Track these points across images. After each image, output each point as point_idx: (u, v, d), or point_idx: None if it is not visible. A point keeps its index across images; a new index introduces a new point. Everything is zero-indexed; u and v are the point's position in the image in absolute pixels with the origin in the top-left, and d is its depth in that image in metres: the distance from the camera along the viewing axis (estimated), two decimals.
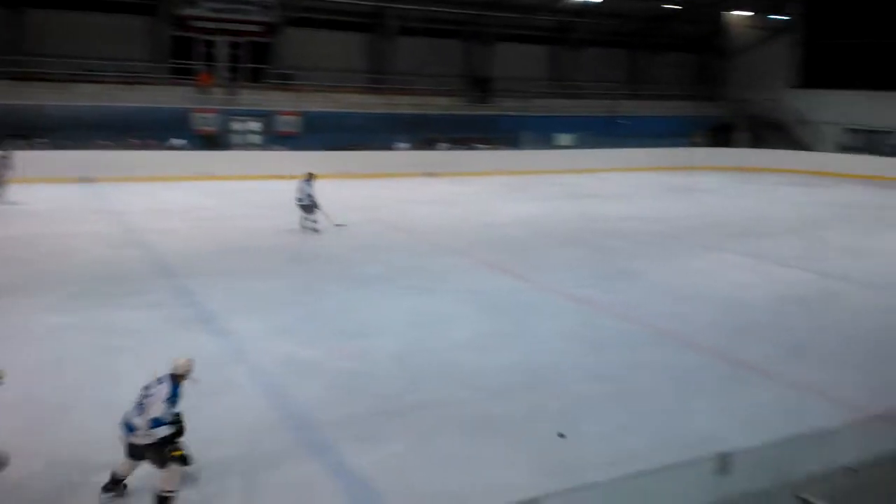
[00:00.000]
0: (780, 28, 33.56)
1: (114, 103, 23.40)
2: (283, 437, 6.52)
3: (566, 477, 5.78)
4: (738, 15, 33.77)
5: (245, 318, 9.60)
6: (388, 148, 26.17)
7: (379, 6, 28.88)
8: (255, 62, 27.98)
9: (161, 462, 5.21)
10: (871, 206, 21.92)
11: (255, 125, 25.92)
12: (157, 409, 5.18)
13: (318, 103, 26.55)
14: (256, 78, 27.38)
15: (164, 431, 5.15)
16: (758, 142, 32.68)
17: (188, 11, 26.25)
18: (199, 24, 26.61)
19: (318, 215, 15.30)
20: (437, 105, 28.76)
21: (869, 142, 31.25)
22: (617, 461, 6.01)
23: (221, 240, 14.49)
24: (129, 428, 5.27)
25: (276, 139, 25.68)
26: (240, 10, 26.95)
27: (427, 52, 30.47)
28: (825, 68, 33.02)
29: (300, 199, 15.33)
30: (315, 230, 15.24)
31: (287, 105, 26.26)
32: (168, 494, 5.18)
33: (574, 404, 7.31)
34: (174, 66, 26.55)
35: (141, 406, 5.27)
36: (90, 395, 7.14)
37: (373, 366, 8.17)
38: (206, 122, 24.83)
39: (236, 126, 25.75)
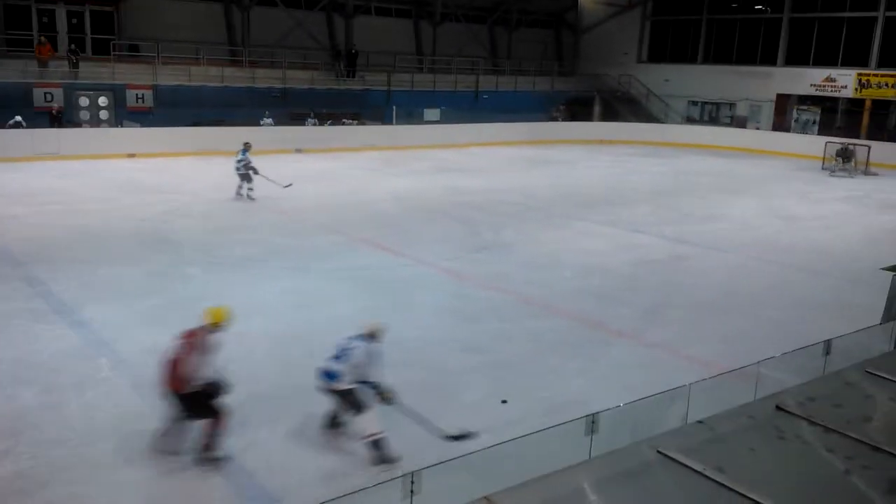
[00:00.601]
0: (627, 5, 35.25)
1: None
2: (153, 430, 6.28)
3: (442, 448, 5.96)
4: None
5: (104, 307, 9.11)
6: (253, 124, 25.32)
7: None
8: (100, 33, 26.16)
9: (357, 408, 5.78)
10: (713, 173, 23.65)
11: (102, 100, 24.29)
12: (362, 363, 5.89)
13: (172, 76, 25.23)
14: (102, 50, 25.61)
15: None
16: (611, 115, 34.41)
17: None
18: None
19: (254, 183, 16.23)
20: (302, 79, 28.12)
21: (710, 113, 33.73)
22: (492, 429, 6.25)
23: (72, 225, 13.54)
24: (330, 376, 5.86)
25: (126, 115, 24.18)
26: None
27: (288, 23, 29.66)
28: (671, 44, 35.21)
29: (238, 169, 16.23)
30: (251, 198, 16.13)
31: (137, 79, 24.77)
32: (375, 436, 5.65)
33: (448, 377, 7.51)
34: (9, 37, 24.34)
35: (339, 357, 5.91)
36: None
37: (245, 352, 7.99)
38: (48, 97, 22.98)
39: (82, 101, 24.03)
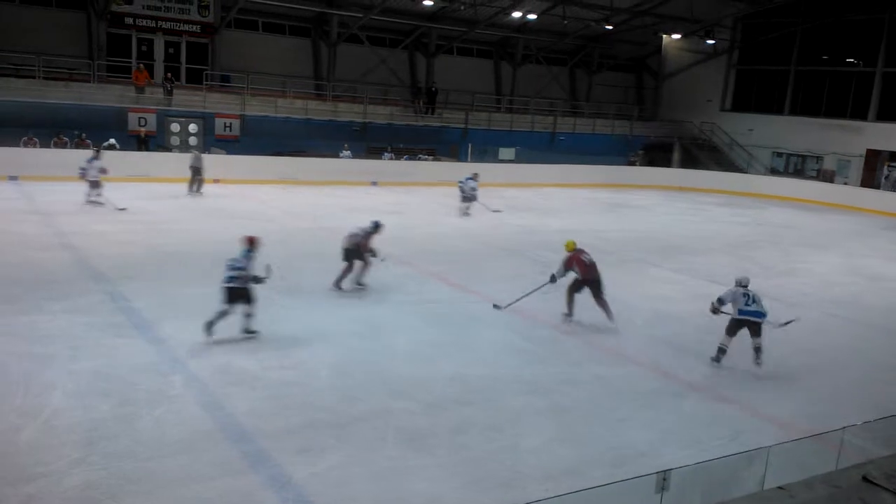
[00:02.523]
0: (712, 53, 34.81)
1: (44, 100, 22.56)
2: (220, 449, 6.40)
3: (501, 492, 5.86)
4: (674, 38, 34.87)
5: (180, 325, 9.37)
6: (332, 155, 26.00)
7: (322, 12, 28.77)
8: (194, 63, 27.47)
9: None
10: (796, 227, 22.85)
11: (193, 127, 25.39)
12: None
13: (259, 107, 26.22)
14: (195, 79, 26.87)
15: None
16: (691, 162, 33.81)
17: (123, 8, 25.61)
18: (135, 21, 26.01)
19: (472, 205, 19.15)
20: (382, 114, 28.78)
21: (795, 165, 32.75)
22: (552, 475, 6.11)
23: (155, 244, 14.09)
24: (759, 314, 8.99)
25: (214, 142, 25.19)
26: (177, 8, 26.43)
27: (371, 60, 30.49)
28: (756, 93, 34.50)
29: (464, 193, 19.60)
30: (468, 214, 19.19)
31: (226, 108, 25.83)
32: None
33: (509, 417, 7.39)
34: (109, 63, 25.82)
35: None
36: (20, 403, 6.87)
37: (310, 376, 8.09)
38: (142, 122, 24.17)
39: (173, 127, 25.18)
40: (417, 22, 30.53)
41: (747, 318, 9.21)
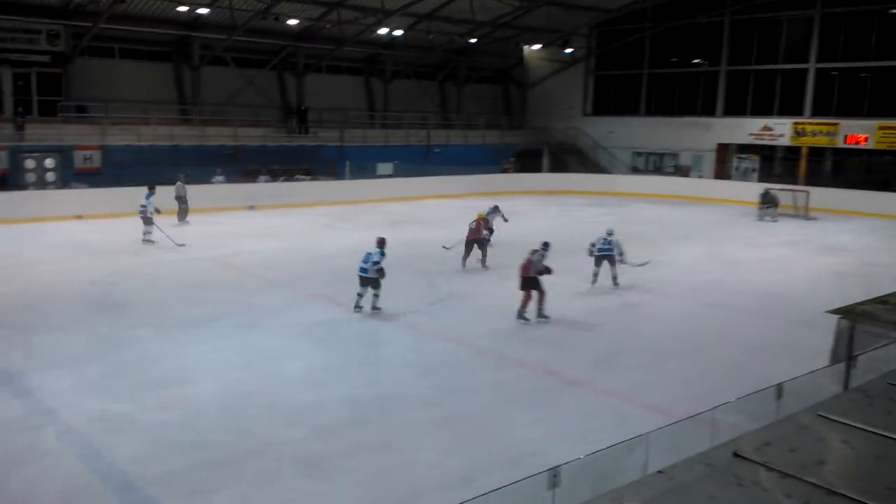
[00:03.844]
0: (571, 61, 36.40)
1: None
2: (102, 501, 6.04)
3: None
4: (534, 49, 36.21)
5: (49, 375, 8.79)
6: (204, 181, 25.14)
7: (183, 35, 27.88)
8: (47, 94, 25.87)
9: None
10: (659, 221, 24.20)
11: (49, 161, 23.87)
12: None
13: (120, 136, 25.01)
14: (49, 111, 25.31)
15: None
16: (560, 166, 35.21)
17: None
18: None
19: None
20: (254, 136, 28.16)
21: (654, 163, 34.77)
22: (449, 486, 6.17)
23: (16, 290, 13.13)
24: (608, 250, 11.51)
25: (74, 176, 23.78)
26: (24, 38, 24.83)
27: (238, 82, 29.81)
28: (614, 97, 36.39)
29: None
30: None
31: (85, 140, 24.46)
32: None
33: (403, 433, 7.41)
34: None
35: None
36: None
37: (195, 414, 7.79)
38: None
39: (28, 164, 23.58)
40: (284, 42, 30.15)
41: (602, 253, 13.87)
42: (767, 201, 24.89)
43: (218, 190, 24.89)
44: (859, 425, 3.43)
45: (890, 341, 6.47)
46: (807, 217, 24.91)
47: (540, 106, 38.10)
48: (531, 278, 11.50)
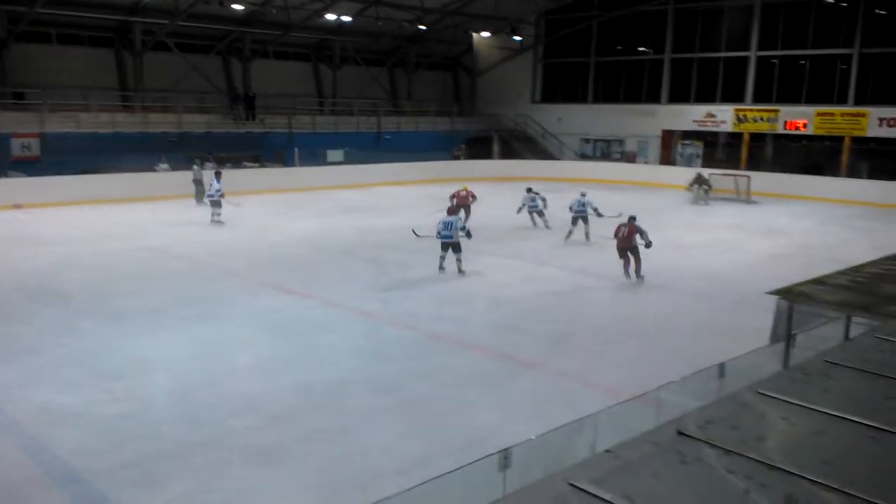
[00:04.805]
0: (519, 49, 36.56)
1: None
2: (48, 494, 5.91)
3: (356, 494, 5.89)
4: (483, 36, 36.25)
5: None
6: (148, 169, 24.54)
7: (124, 20, 27.07)
8: None
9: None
10: (607, 207, 24.51)
11: None
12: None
13: (60, 124, 24.20)
14: None
15: None
16: (510, 153, 35.42)
17: None
18: None
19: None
20: (199, 123, 27.56)
21: (602, 149, 35.28)
22: (404, 470, 6.22)
23: None
24: (583, 212, 15.85)
25: (11, 165, 22.95)
26: None
27: (182, 67, 29.11)
28: (562, 84, 36.72)
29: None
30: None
31: (23, 127, 23.61)
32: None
33: (358, 419, 7.43)
34: None
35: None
36: None
37: (145, 406, 7.67)
38: None
39: None
40: (229, 27, 29.52)
41: (578, 214, 17.21)
42: (699, 182, 25.70)
43: (162, 178, 24.35)
44: (798, 402, 3.56)
45: (826, 321, 6.73)
46: (748, 201, 25.61)
47: (490, 93, 38.22)
48: (633, 246, 13.49)
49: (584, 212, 17.35)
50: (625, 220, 14.10)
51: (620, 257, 13.60)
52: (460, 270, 13.75)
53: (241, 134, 28.35)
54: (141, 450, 6.66)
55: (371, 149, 31.03)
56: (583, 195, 17.62)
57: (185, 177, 24.80)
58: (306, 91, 33.50)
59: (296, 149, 28.66)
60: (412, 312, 11.35)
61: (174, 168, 25.07)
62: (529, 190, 19.73)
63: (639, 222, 13.73)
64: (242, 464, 6.47)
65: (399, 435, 7.06)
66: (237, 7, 27.24)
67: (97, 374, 8.49)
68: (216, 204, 19.36)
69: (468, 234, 13.91)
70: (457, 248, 13.74)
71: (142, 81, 27.74)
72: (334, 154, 30.29)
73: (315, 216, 21.22)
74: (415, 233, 15.35)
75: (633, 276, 13.54)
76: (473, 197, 19.50)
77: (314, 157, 29.12)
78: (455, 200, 18.66)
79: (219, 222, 19.22)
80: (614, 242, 13.70)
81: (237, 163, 27.28)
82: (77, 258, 14.74)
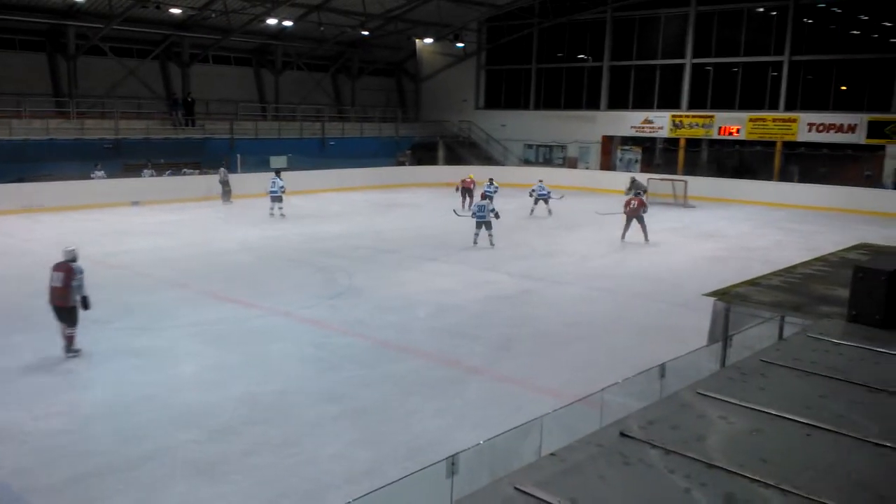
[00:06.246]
0: (462, 55, 36.82)
1: None
2: None
3: None
4: (426, 42, 36.37)
5: None
6: (84, 177, 23.84)
7: (57, 24, 26.25)
8: None
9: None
10: (553, 211, 24.90)
11: None
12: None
13: None
14: None
15: None
16: (455, 159, 35.60)
17: None
18: None
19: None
20: (136, 129, 26.91)
21: (544, 155, 35.76)
22: (353, 479, 6.19)
23: None
24: (545, 195, 21.60)
25: None
26: None
27: (119, 72, 28.38)
28: (505, 91, 37.10)
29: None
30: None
31: None
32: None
33: (305, 429, 7.36)
34: None
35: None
36: None
37: (83, 421, 7.44)
38: None
39: None
40: (166, 31, 28.92)
41: (540, 196, 22.00)
42: (635, 188, 26.30)
43: (98, 185, 23.70)
44: (735, 401, 3.66)
45: (762, 321, 6.96)
46: (686, 205, 26.28)
47: (434, 99, 38.37)
48: (640, 216, 18.06)
49: (545, 194, 22.88)
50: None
51: (626, 223, 18.21)
52: (492, 244, 17.26)
53: (180, 140, 27.79)
54: (80, 466, 6.46)
55: (315, 155, 30.78)
56: (540, 181, 23.19)
57: (120, 184, 24.27)
58: (248, 96, 33.06)
59: (238, 155, 28.23)
60: (360, 320, 11.30)
61: (110, 175, 24.42)
62: (541, 181, 23.62)
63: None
64: (185, 478, 6.33)
65: (347, 444, 7.02)
66: (175, 11, 26.71)
67: (35, 390, 8.20)
68: (278, 199, 21.88)
69: (496, 215, 17.59)
70: (489, 225, 17.37)
71: (76, 87, 26.95)
72: (278, 160, 29.92)
73: (258, 223, 20.93)
74: (455, 213, 19.69)
75: (640, 239, 18.04)
76: (474, 183, 24.69)
77: (257, 163, 28.73)
78: (461, 185, 24.50)
79: (282, 216, 21.66)
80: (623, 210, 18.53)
81: (177, 169, 26.71)
82: (8, 269, 14.21)
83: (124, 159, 25.69)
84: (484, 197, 19.63)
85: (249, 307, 11.90)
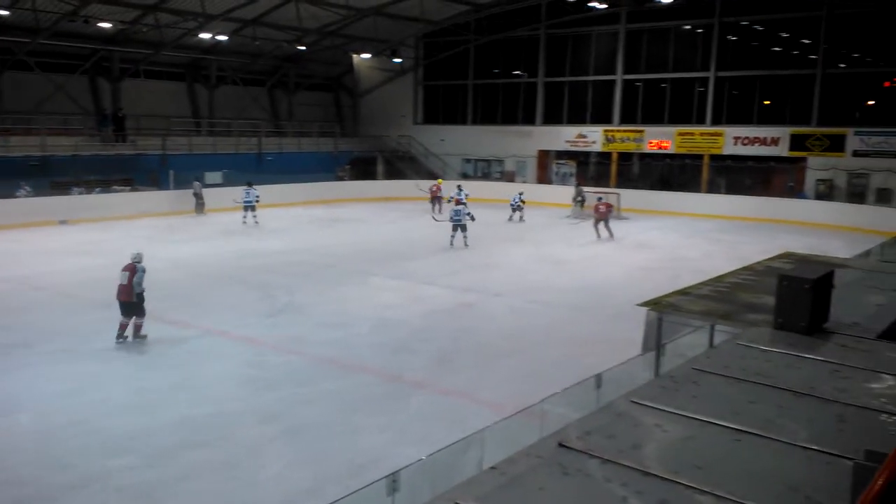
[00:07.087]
0: (400, 71, 36.94)
1: None
2: None
3: None
4: (364, 58, 36.36)
5: None
6: (8, 195, 22.87)
7: None
8: None
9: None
10: (489, 225, 25.13)
11: None
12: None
13: None
14: None
15: None
16: (395, 173, 35.61)
17: None
18: None
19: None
20: (64, 146, 25.98)
21: (482, 169, 36.11)
22: (292, 500, 6.10)
23: None
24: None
25: None
26: None
27: (46, 87, 27.44)
28: (443, 106, 37.36)
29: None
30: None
31: None
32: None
33: (244, 451, 7.22)
34: None
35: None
36: None
37: (7, 449, 7.13)
38: None
39: None
40: (95, 45, 28.12)
41: (516, 204, 25.44)
42: (581, 195, 27.30)
43: (23, 204, 22.82)
44: (669, 409, 3.76)
45: (693, 329, 7.17)
46: (618, 217, 26.84)
47: (372, 114, 38.34)
48: (607, 218, 21.28)
49: (514, 203, 26.12)
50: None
51: (595, 226, 21.25)
52: (466, 244, 19.21)
53: (110, 156, 26.99)
54: (4, 497, 6.18)
55: (252, 170, 30.29)
56: (520, 193, 26.48)
57: (47, 202, 23.46)
58: (181, 111, 32.38)
59: (171, 171, 27.57)
60: (299, 337, 11.16)
61: (38, 193, 23.54)
62: (521, 193, 26.59)
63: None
64: None
65: (287, 464, 6.91)
66: (105, 25, 26.02)
67: None
68: (251, 208, 23.52)
69: (472, 218, 19.46)
70: (464, 228, 19.31)
71: (1, 103, 25.94)
72: (213, 176, 29.32)
73: (193, 240, 20.49)
74: (434, 219, 21.13)
75: (609, 237, 20.73)
76: (440, 189, 28.11)
77: (191, 179, 28.11)
78: (432, 191, 27.96)
79: (256, 223, 23.26)
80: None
81: (106, 187, 25.93)
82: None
83: (52, 177, 24.79)
84: (458, 203, 21.65)
85: (184, 327, 11.63)
